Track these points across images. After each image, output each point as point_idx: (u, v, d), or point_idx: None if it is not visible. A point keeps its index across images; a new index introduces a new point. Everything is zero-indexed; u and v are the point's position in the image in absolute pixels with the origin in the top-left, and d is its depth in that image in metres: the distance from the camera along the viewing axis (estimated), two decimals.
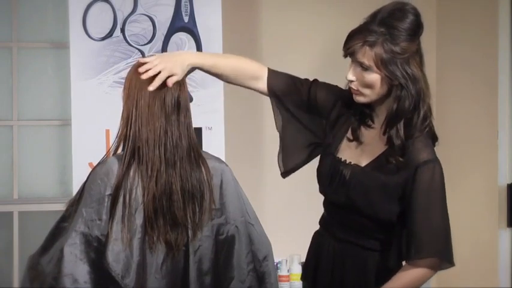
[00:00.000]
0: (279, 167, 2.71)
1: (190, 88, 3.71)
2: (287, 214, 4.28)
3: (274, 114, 2.73)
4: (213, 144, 3.72)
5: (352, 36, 2.46)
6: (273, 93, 2.70)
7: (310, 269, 2.68)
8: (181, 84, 2.45)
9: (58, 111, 4.34)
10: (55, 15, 4.35)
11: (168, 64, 2.41)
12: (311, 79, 2.69)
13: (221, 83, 3.85)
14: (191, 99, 3.70)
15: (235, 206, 2.51)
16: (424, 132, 2.49)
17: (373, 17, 2.46)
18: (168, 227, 2.38)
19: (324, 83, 2.68)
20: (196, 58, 2.55)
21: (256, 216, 2.58)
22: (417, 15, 2.49)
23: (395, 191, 2.48)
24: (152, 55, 2.53)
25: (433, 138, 2.54)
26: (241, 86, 2.71)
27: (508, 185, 4.02)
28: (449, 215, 2.54)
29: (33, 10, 4.34)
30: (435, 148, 2.54)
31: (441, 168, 2.50)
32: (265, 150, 4.28)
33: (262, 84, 2.71)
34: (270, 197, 4.11)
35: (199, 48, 3.82)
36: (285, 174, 2.72)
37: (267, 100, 4.57)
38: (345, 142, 2.59)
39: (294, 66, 4.51)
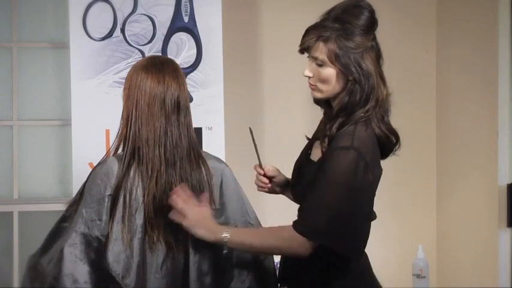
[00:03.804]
0: None
1: (190, 88, 3.71)
2: (287, 214, 4.27)
3: None
4: (213, 144, 3.71)
5: (307, 32, 2.51)
6: None
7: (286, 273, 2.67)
8: (181, 84, 2.45)
9: (58, 111, 4.34)
10: (55, 15, 4.34)
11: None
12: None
13: (221, 83, 3.85)
14: (191, 99, 3.70)
15: (235, 206, 2.51)
16: (357, 123, 2.46)
17: (328, 13, 2.50)
18: (168, 227, 2.38)
19: None
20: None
21: (256, 217, 2.58)
22: (372, 11, 2.50)
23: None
24: (154, 55, 2.53)
25: (384, 137, 2.48)
26: None
27: (508, 185, 4.01)
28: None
29: (33, 10, 4.34)
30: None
31: (355, 157, 2.40)
32: (265, 150, 4.27)
33: None
34: (270, 197, 4.09)
35: (199, 48, 3.82)
36: None
37: (267, 100, 4.57)
38: (315, 143, 2.62)
39: (294, 67, 4.52)
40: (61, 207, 2.56)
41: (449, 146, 4.45)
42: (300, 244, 2.39)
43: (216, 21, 3.83)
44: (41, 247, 2.43)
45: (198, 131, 3.70)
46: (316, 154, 2.57)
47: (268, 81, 4.39)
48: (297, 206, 2.76)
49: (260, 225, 2.57)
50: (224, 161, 2.66)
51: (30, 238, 4.21)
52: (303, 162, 2.62)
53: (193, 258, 2.40)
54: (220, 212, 2.47)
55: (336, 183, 2.38)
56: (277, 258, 2.62)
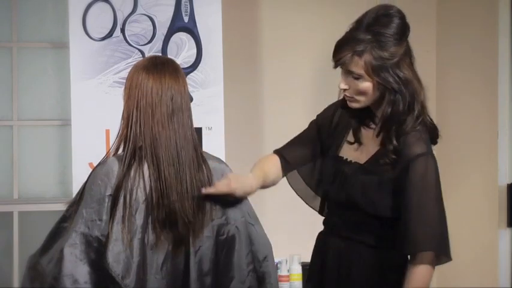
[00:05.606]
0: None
1: (190, 88, 3.70)
2: (287, 214, 4.28)
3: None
4: (213, 144, 3.72)
5: (340, 47, 2.47)
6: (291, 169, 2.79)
7: (316, 270, 2.68)
8: (182, 84, 2.45)
9: (58, 111, 4.34)
10: (55, 15, 4.35)
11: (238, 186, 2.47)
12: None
13: (221, 83, 3.85)
14: (191, 99, 3.70)
15: (235, 207, 2.51)
16: (416, 129, 2.50)
17: (359, 24, 2.46)
18: (168, 228, 2.38)
19: (324, 109, 2.74)
20: (256, 185, 2.63)
21: (256, 217, 2.58)
22: (402, 18, 2.48)
23: (390, 186, 2.49)
24: (154, 55, 2.53)
25: (433, 131, 2.55)
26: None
27: (508, 185, 4.02)
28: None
29: (33, 10, 4.34)
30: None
31: (435, 162, 2.50)
32: (265, 150, 4.27)
33: (283, 172, 2.78)
34: (270, 197, 4.10)
35: (199, 48, 3.82)
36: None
37: (267, 100, 4.57)
38: (345, 144, 2.61)
39: (294, 67, 4.52)
40: (61, 207, 2.56)
41: (449, 146, 4.44)
42: (433, 266, 2.48)
43: (216, 21, 3.83)
44: (41, 247, 2.43)
45: (198, 131, 3.70)
46: (354, 155, 2.57)
47: (268, 80, 4.39)
48: (296, 205, 2.77)
49: (259, 224, 2.56)
50: (224, 161, 2.66)
51: (30, 238, 4.21)
52: (339, 165, 2.59)
53: (193, 259, 2.39)
54: (220, 213, 2.47)
55: (433, 192, 2.47)
56: (277, 258, 2.62)
